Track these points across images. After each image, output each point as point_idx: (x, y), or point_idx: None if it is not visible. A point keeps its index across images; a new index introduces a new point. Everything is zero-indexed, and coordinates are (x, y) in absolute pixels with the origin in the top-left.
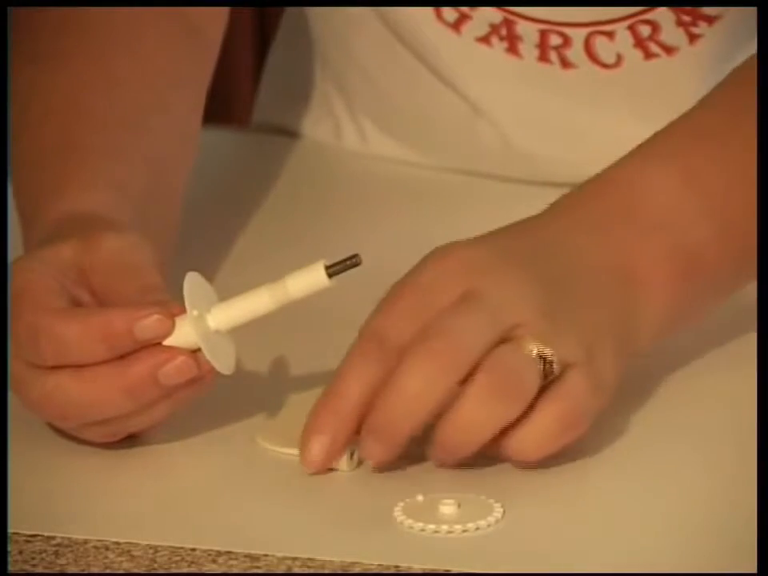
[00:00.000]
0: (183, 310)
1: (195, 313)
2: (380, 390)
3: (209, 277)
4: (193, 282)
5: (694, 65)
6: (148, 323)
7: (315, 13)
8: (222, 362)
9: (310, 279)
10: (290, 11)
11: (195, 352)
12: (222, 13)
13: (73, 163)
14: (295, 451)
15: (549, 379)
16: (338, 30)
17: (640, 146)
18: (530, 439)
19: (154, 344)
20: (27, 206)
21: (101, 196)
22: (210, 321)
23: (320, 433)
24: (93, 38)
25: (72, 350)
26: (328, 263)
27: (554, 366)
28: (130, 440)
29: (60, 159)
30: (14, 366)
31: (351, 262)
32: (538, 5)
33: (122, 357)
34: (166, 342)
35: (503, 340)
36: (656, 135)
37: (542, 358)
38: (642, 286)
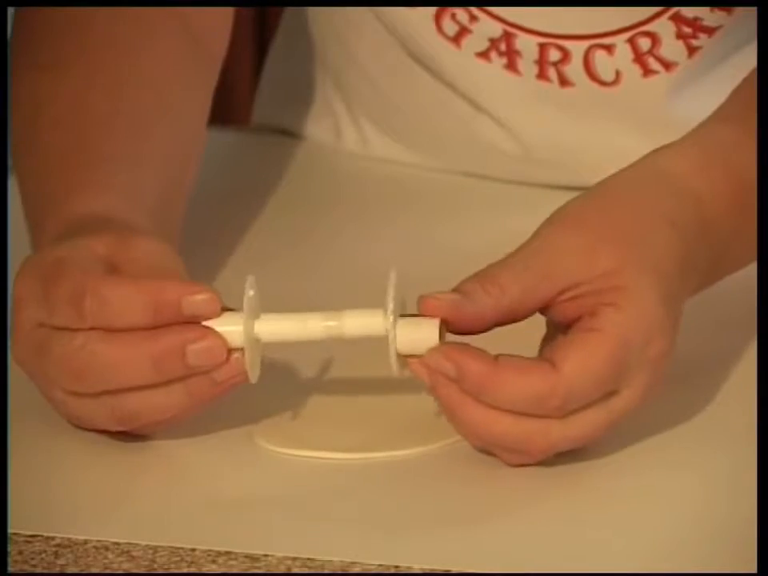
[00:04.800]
0: (229, 309)
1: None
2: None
3: (209, 277)
4: (251, 286)
5: (690, 82)
6: (198, 299)
7: (315, 13)
8: (254, 371)
9: (367, 321)
10: (290, 12)
11: (231, 350)
12: (225, 22)
13: (86, 167)
14: (295, 451)
15: None
16: (338, 30)
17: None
18: None
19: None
20: (37, 208)
21: (115, 200)
22: (256, 326)
23: None
24: (97, 45)
25: (116, 311)
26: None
27: None
28: (131, 437)
29: (72, 164)
30: (37, 333)
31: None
32: (544, 5)
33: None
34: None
35: None
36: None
37: None
38: None
